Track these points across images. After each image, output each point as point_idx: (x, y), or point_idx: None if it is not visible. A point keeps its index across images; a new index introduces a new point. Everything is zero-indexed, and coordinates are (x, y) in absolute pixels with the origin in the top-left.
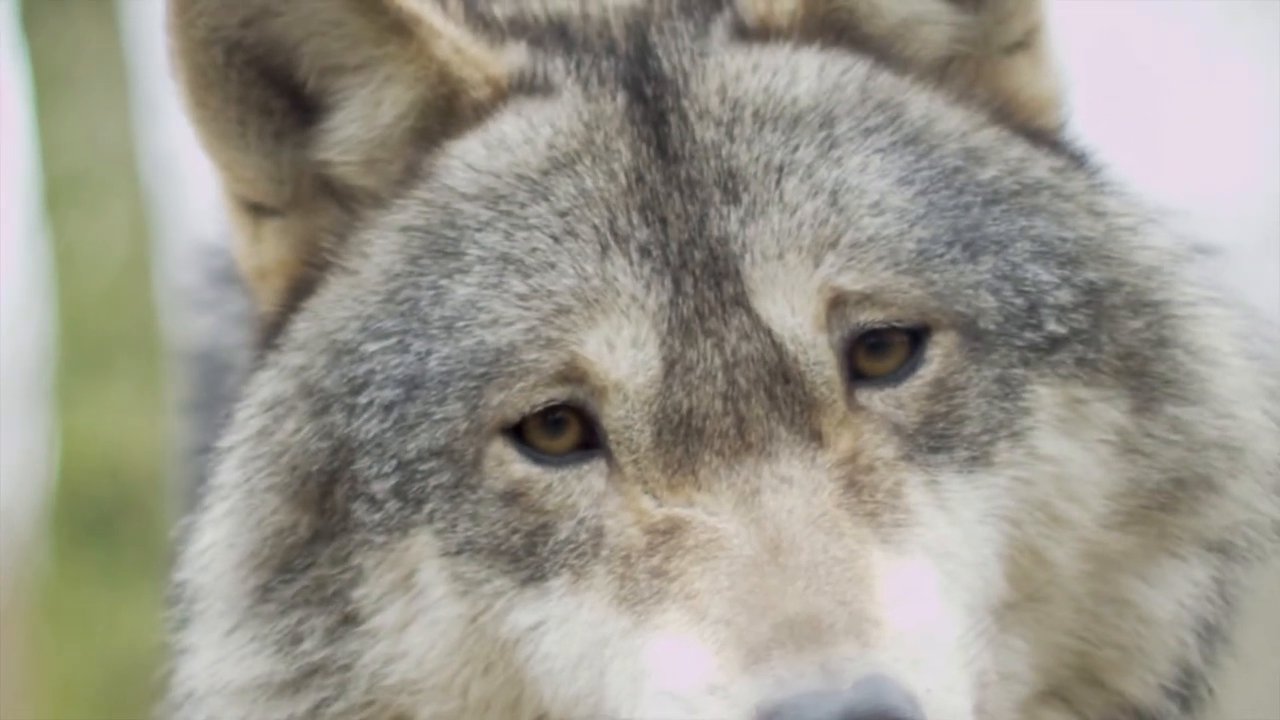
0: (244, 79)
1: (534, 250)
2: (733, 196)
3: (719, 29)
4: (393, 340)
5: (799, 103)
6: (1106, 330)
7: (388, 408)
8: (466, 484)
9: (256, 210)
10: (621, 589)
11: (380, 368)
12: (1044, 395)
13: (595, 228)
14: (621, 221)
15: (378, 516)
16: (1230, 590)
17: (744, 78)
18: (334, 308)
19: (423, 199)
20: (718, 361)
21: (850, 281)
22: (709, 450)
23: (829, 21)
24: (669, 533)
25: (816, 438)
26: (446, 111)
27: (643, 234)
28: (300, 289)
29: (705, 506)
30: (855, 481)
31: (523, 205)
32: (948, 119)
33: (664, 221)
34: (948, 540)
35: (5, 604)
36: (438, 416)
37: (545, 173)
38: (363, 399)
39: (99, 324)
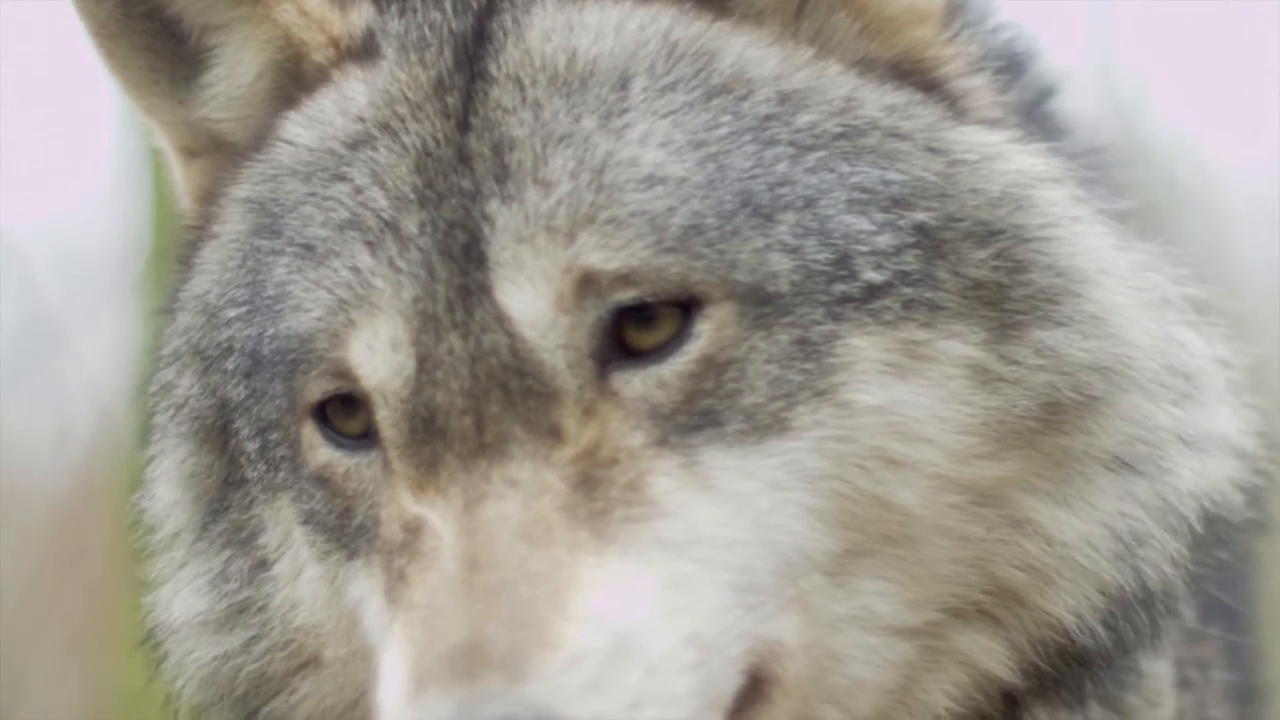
0: (147, 29)
1: (326, 237)
2: (505, 172)
3: None
4: (243, 310)
5: (597, 63)
6: (946, 267)
7: (246, 375)
8: (298, 460)
9: (185, 152)
10: (387, 584)
11: (237, 335)
12: (861, 346)
13: (376, 212)
14: (401, 204)
15: (255, 474)
16: (1159, 507)
17: (554, 35)
18: (205, 269)
19: (259, 170)
20: (464, 356)
21: (602, 260)
22: (450, 451)
23: None
24: (415, 533)
25: (555, 433)
26: (296, 75)
27: (417, 217)
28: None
29: (440, 512)
30: (590, 478)
31: (326, 184)
32: (764, 62)
33: (440, 201)
34: (704, 524)
35: (96, 485)
36: (271, 393)
37: (352, 147)
38: (229, 364)
39: None
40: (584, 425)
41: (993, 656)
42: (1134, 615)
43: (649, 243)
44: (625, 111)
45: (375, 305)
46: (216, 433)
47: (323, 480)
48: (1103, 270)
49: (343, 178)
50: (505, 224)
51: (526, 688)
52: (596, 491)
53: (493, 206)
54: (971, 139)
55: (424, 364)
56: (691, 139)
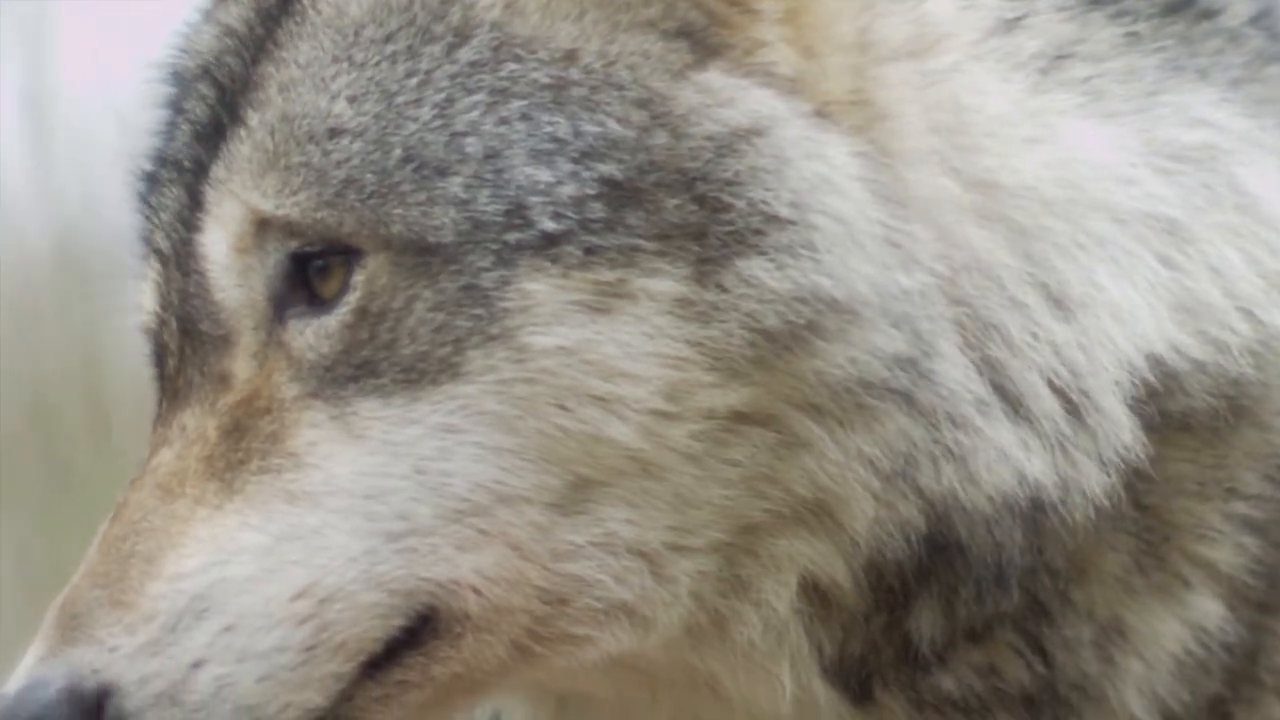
0: None
1: (153, 171)
2: (241, 113)
3: None
4: None
5: (343, 9)
6: (640, 214)
7: None
8: None
9: None
10: None
11: None
12: (537, 290)
13: (176, 149)
14: (190, 141)
15: None
16: (946, 415)
17: None
18: None
19: (165, 96)
20: (180, 298)
21: (274, 207)
22: (165, 395)
23: None
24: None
25: (224, 379)
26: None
27: (193, 155)
28: None
29: (149, 458)
30: (240, 426)
31: (171, 116)
32: (491, 9)
33: (209, 139)
34: (347, 475)
35: None
36: None
37: (191, 80)
38: None
39: None
40: (254, 372)
41: (826, 560)
42: (980, 525)
43: (312, 194)
44: (339, 61)
45: (149, 246)
46: None
47: None
48: (806, 207)
49: (180, 110)
50: (216, 165)
51: (74, 651)
52: (242, 442)
53: (221, 147)
54: (693, 89)
55: (161, 305)
56: (383, 90)
